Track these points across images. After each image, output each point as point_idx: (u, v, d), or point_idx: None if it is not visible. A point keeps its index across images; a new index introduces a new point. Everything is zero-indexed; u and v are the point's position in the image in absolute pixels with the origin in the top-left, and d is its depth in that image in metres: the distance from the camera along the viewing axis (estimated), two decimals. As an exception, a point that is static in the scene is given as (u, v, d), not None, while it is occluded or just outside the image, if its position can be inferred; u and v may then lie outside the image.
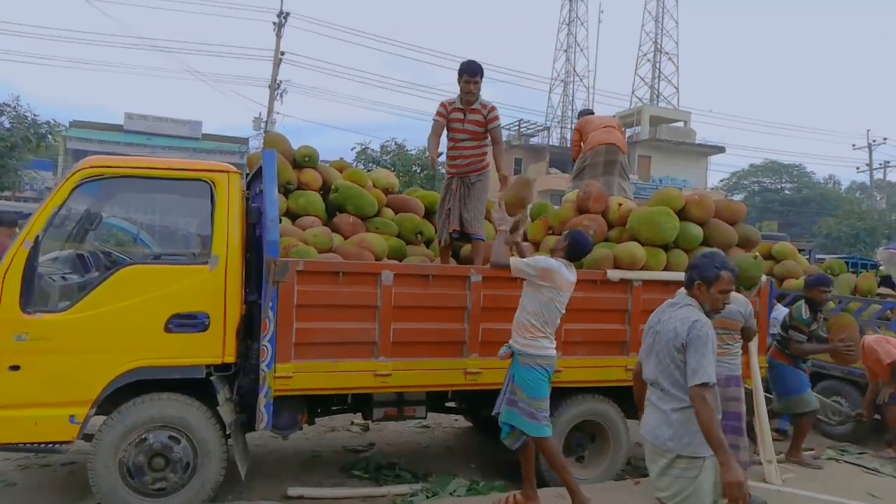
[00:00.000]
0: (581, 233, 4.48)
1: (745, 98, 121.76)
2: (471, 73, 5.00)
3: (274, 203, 4.26)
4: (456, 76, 5.09)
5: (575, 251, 4.30)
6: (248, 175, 5.29)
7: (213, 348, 4.11)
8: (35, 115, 16.67)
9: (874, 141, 37.40)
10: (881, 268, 8.70)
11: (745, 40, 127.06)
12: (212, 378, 4.11)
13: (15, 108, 16.44)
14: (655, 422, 2.92)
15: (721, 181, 50.30)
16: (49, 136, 17.48)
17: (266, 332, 4.06)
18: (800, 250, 8.53)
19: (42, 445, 3.95)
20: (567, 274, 4.19)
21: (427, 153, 5.36)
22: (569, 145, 43.62)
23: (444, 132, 5.24)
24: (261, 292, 4.17)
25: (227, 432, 4.13)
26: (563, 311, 4.24)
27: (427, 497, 4.48)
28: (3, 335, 3.77)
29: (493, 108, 5.13)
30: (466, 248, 5.52)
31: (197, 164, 4.45)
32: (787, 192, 49.71)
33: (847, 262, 9.31)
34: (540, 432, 4.11)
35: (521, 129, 41.24)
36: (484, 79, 5.05)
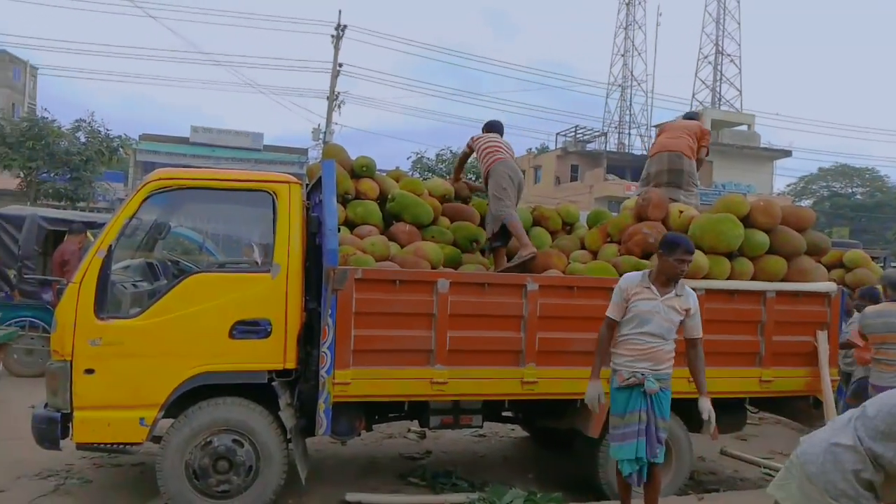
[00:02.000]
0: (676, 234, 4.31)
1: (813, 99, 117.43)
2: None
3: (333, 212, 4.34)
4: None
5: (666, 247, 3.95)
6: (308, 185, 5.42)
7: (274, 354, 4.21)
8: (108, 130, 17.50)
9: (954, 142, 35.40)
10: None
11: (813, 39, 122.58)
12: (273, 383, 4.21)
13: (90, 123, 17.29)
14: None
15: (788, 186, 48.56)
16: (120, 150, 18.31)
17: (325, 338, 4.14)
18: (873, 258, 8.14)
19: (114, 446, 4.14)
20: (629, 277, 4.05)
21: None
22: (626, 150, 43.00)
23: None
24: (320, 300, 4.26)
25: (288, 437, 4.22)
26: None
27: (484, 507, 4.46)
28: (80, 340, 3.96)
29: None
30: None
31: (259, 176, 4.59)
32: (858, 196, 47.49)
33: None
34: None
35: (578, 136, 40.85)
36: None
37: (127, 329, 4.05)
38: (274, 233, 4.30)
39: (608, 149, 40.79)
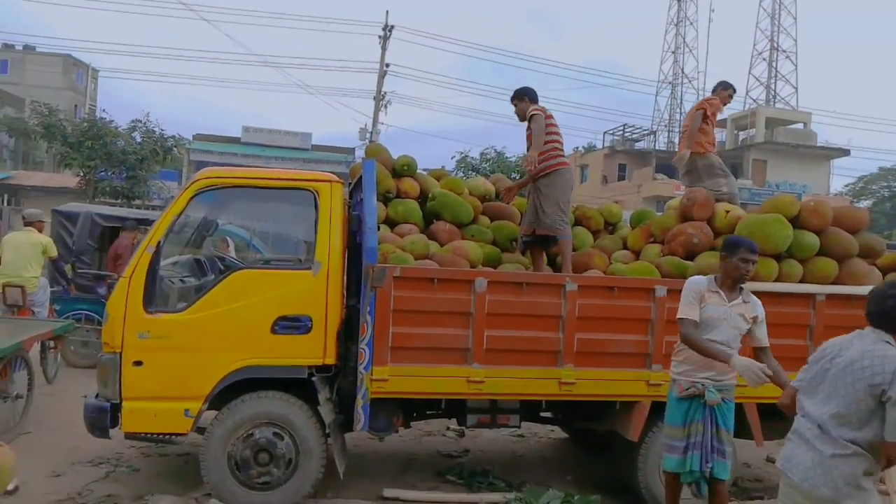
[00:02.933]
0: (737, 236, 4.13)
1: (873, 96, 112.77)
2: (511, 99, 5.50)
3: (373, 211, 4.39)
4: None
5: (729, 249, 3.81)
6: (350, 184, 5.50)
7: (315, 350, 4.29)
8: (162, 130, 18.08)
9: None
10: None
11: (871, 34, 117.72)
12: (313, 378, 4.28)
13: (145, 123, 17.89)
14: (808, 462, 2.64)
15: (846, 186, 46.74)
16: (174, 149, 18.89)
17: (364, 335, 4.19)
18: (934, 261, 7.78)
19: (160, 436, 4.28)
20: (695, 280, 3.89)
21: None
22: (675, 149, 42.15)
23: None
24: (360, 297, 4.31)
25: (327, 431, 4.29)
26: None
27: (520, 507, 4.45)
28: (129, 333, 4.11)
29: (536, 109, 5.32)
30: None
31: (302, 175, 4.67)
32: (923, 197, 45.45)
33: None
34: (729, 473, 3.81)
35: (626, 134, 40.23)
36: (523, 96, 5.42)
37: (174, 323, 4.18)
38: (316, 231, 4.38)
39: (657, 147, 40.03)
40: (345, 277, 4.65)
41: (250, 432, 4.19)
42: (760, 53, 44.46)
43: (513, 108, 5.51)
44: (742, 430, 4.50)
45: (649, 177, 35.05)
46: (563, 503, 4.56)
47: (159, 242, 4.21)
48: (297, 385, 4.31)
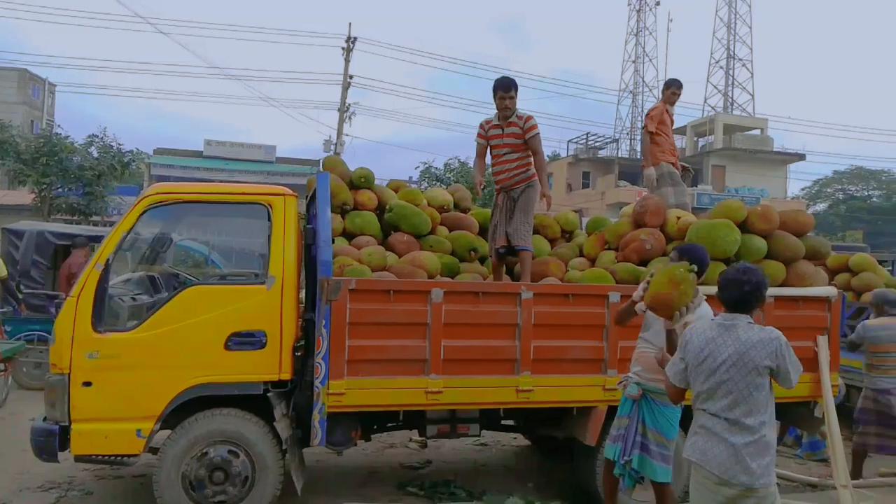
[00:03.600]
0: (696, 247, 4.05)
1: (827, 103, 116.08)
2: (504, 88, 5.07)
3: (327, 224, 4.38)
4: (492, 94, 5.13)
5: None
6: (307, 197, 5.47)
7: (270, 365, 4.24)
8: (120, 145, 17.72)
9: (972, 143, 34.92)
10: None
11: (824, 41, 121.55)
12: (269, 394, 4.24)
13: (102, 138, 17.53)
14: (721, 454, 2.81)
15: (802, 190, 48.10)
16: (133, 164, 18.52)
17: (320, 349, 4.17)
18: (881, 261, 8.05)
19: (111, 458, 4.19)
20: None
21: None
22: (638, 157, 42.81)
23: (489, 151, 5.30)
24: (316, 310, 4.29)
25: (284, 447, 4.24)
26: None
27: (480, 516, 4.45)
28: (78, 353, 4.02)
29: (530, 118, 5.14)
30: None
31: (254, 189, 4.64)
32: (875, 199, 46.94)
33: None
34: (668, 477, 3.84)
35: (589, 142, 40.78)
36: (519, 92, 5.11)
37: (124, 342, 4.10)
38: (269, 245, 4.35)
39: (620, 155, 40.63)
40: (302, 291, 4.62)
41: (205, 451, 4.12)
42: (718, 62, 45.60)
43: (478, 119, 5.41)
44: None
45: (612, 184, 35.56)
46: (524, 510, 4.58)
47: (108, 260, 4.13)
48: (253, 401, 4.26)
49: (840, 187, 48.79)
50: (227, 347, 4.18)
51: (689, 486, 3.12)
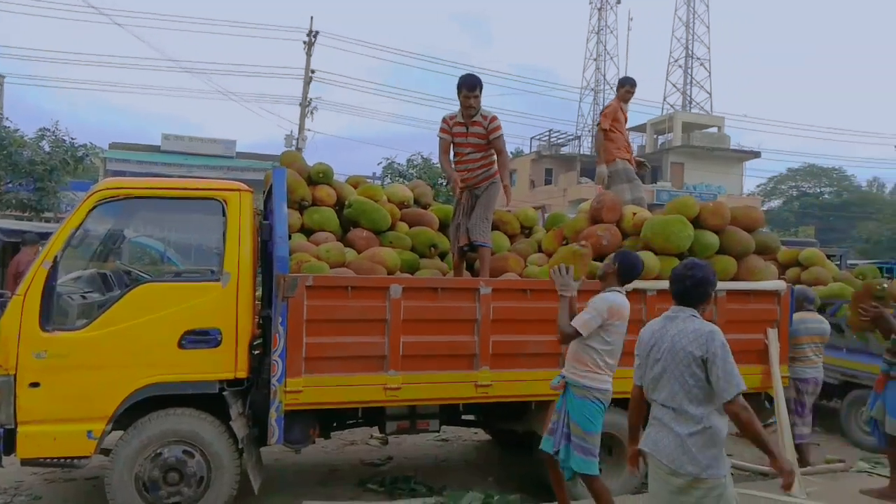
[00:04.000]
0: (629, 253, 4.14)
1: (782, 101, 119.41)
2: (469, 87, 5.00)
3: (283, 220, 4.34)
4: (456, 91, 5.09)
5: (627, 274, 3.95)
6: (265, 192, 5.40)
7: (225, 364, 4.18)
8: (73, 139, 17.22)
9: (917, 141, 36.27)
10: None
11: (780, 42, 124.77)
12: (224, 393, 4.18)
13: (54, 132, 17.01)
14: (670, 444, 2.87)
15: (758, 187, 49.38)
16: (87, 158, 18.01)
17: (276, 347, 4.13)
18: (829, 256, 8.31)
19: (61, 460, 4.07)
20: (626, 302, 3.92)
21: (444, 173, 5.45)
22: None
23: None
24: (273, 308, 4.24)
25: (240, 446, 4.19)
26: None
27: (440, 511, 4.47)
28: (24, 353, 3.90)
29: (495, 119, 5.13)
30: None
31: (208, 184, 4.56)
32: (826, 196, 48.44)
33: (882, 268, 9.02)
34: (592, 469, 3.87)
35: (552, 139, 41.12)
36: (483, 90, 5.07)
37: (73, 341, 3.99)
38: (224, 241, 4.28)
39: (581, 152, 41.09)
40: (259, 288, 4.56)
41: (158, 451, 4.04)
42: (676, 61, 46.43)
43: (441, 115, 5.36)
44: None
45: (574, 181, 35.93)
46: (483, 504, 4.61)
47: (56, 257, 4.01)
48: (209, 400, 4.19)
49: (794, 184, 50.20)
50: (180, 346, 4.10)
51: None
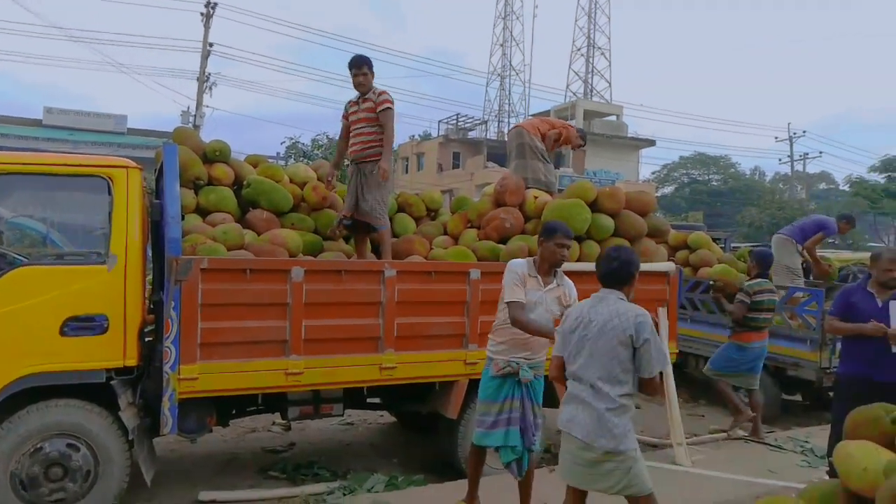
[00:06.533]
0: (552, 221, 4.15)
1: (675, 92, 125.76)
2: (357, 65, 5.14)
3: (175, 199, 4.13)
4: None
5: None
6: (156, 170, 5.11)
7: (113, 351, 3.95)
8: (-61, 109, 15.70)
9: (794, 133, 39.17)
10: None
11: (675, 36, 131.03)
12: (112, 382, 3.95)
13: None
14: (585, 419, 2.98)
15: (653, 173, 51.88)
16: (-44, 132, 16.48)
17: (168, 333, 3.94)
18: (715, 239, 8.86)
19: (-76, 460, 3.72)
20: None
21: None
22: (504, 139, 44.15)
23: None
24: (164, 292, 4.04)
25: (131, 438, 3.98)
26: None
27: (343, 495, 4.43)
28: None
29: (384, 93, 5.16)
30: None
31: (92, 160, 4.25)
32: (714, 183, 51.56)
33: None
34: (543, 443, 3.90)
35: (459, 123, 41.40)
36: (374, 69, 5.20)
37: (-62, 330, 3.65)
38: (110, 221, 4.02)
39: (488, 137, 41.64)
40: (150, 272, 4.33)
41: (39, 446, 3.78)
42: (579, 50, 47.80)
43: (349, 94, 5.29)
44: (550, 400, 4.80)
45: (481, 165, 36.40)
46: (388, 486, 4.62)
47: (-85, 239, 3.64)
48: (95, 390, 3.95)
49: (685, 172, 53.14)
50: (62, 333, 3.83)
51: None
